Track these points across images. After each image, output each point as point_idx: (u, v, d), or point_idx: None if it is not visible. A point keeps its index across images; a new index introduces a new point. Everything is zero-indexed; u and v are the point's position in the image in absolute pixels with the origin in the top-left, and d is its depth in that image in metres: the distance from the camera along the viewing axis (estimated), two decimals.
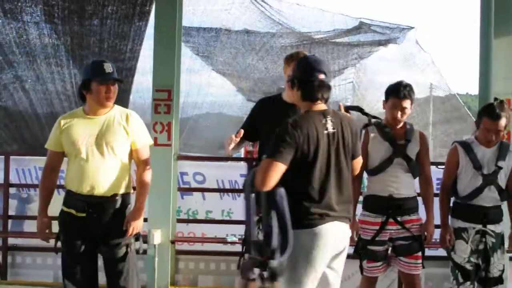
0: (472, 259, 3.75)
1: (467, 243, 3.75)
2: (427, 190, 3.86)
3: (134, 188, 3.64)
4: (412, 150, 3.78)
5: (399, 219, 3.71)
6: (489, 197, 3.74)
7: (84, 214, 3.35)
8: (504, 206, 3.91)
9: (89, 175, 3.32)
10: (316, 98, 2.96)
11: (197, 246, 5.79)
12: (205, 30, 10.38)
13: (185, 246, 5.74)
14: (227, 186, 5.92)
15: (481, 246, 3.75)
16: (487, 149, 3.75)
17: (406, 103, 3.74)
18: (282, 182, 2.84)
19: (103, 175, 3.34)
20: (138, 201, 3.49)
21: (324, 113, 2.97)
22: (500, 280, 3.80)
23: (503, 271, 3.81)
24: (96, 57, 8.04)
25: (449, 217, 3.89)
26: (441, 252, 5.67)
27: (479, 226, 3.74)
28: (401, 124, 3.83)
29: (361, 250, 3.77)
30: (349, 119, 3.12)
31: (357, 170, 3.21)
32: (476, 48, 5.61)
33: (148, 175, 3.56)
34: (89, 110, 3.42)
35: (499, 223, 3.81)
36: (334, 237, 2.92)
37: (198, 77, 11.18)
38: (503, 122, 3.67)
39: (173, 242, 5.44)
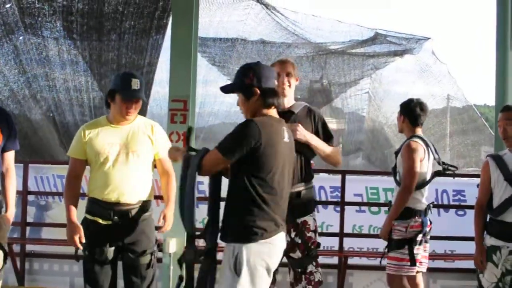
0: (501, 284, 3.53)
1: (497, 267, 3.54)
2: None
3: (154, 197, 3.69)
4: None
5: None
6: None
7: (110, 222, 3.37)
8: None
9: (116, 183, 3.35)
10: (275, 104, 2.92)
11: None
12: (221, 41, 10.46)
13: None
14: None
15: (510, 267, 3.53)
16: None
17: None
18: (244, 187, 2.77)
19: (129, 183, 3.38)
20: (170, 202, 3.60)
21: (281, 121, 2.97)
22: None
23: None
24: (114, 72, 8.18)
25: (485, 234, 3.70)
26: (458, 264, 5.67)
27: None
28: None
29: None
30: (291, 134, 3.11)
31: None
32: (493, 58, 5.61)
33: (174, 182, 3.63)
34: (113, 119, 3.47)
35: None
36: (282, 247, 2.92)
37: (214, 88, 11.25)
38: None
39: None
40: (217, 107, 11.42)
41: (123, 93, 3.36)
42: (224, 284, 2.80)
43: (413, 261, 4.00)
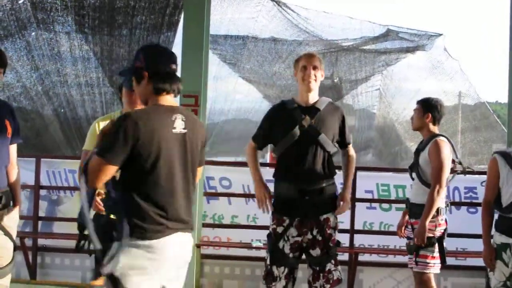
0: (509, 283, 3.49)
1: (507, 266, 3.48)
2: None
3: None
4: None
5: None
6: None
7: None
8: None
9: None
10: (167, 90, 2.63)
11: (223, 251, 5.84)
12: (232, 38, 10.46)
13: (210, 251, 5.80)
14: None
15: None
16: None
17: None
18: (128, 184, 2.55)
19: None
20: None
21: (173, 110, 2.63)
22: None
23: None
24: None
25: (493, 231, 3.66)
26: (470, 261, 5.64)
27: None
28: None
29: None
30: (201, 123, 2.85)
31: (198, 178, 2.89)
32: (506, 55, 5.56)
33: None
34: None
35: None
36: (175, 251, 2.60)
37: (225, 84, 11.27)
38: None
39: (198, 246, 5.50)
40: (229, 104, 11.45)
41: (126, 85, 3.40)
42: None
43: (443, 259, 4.03)
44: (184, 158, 2.63)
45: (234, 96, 11.22)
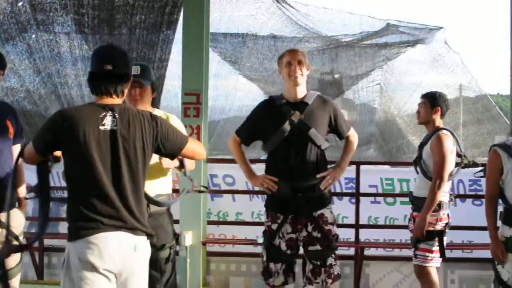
0: None
1: None
2: None
3: (173, 191, 3.68)
4: None
5: None
6: None
7: None
8: None
9: None
10: (100, 91, 2.65)
11: (228, 248, 5.85)
12: (232, 36, 10.45)
13: (216, 248, 5.82)
14: (257, 188, 5.96)
15: None
16: None
17: None
18: (67, 183, 2.64)
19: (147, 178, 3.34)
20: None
21: (106, 107, 2.63)
22: None
23: None
24: None
25: (500, 224, 3.58)
26: (476, 254, 5.64)
27: None
28: None
29: None
30: (151, 117, 2.75)
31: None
32: (507, 47, 5.55)
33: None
34: None
35: None
36: (116, 248, 2.57)
37: (226, 82, 11.27)
38: None
39: (204, 244, 5.51)
40: (230, 102, 11.43)
41: None
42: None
43: (443, 253, 4.05)
44: (115, 154, 2.60)
45: (235, 94, 11.22)
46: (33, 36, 8.47)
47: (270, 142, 3.60)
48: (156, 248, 3.39)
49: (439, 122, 4.16)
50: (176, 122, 3.60)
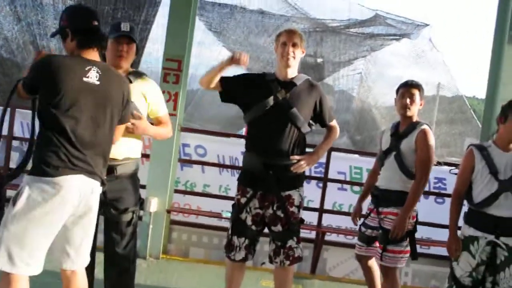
0: (474, 274, 3.50)
1: (474, 257, 3.49)
2: None
3: (144, 156, 3.64)
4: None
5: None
6: (505, 206, 3.46)
7: None
8: None
9: None
10: (89, 45, 2.85)
11: (192, 218, 5.86)
12: (220, 6, 10.34)
13: (180, 217, 5.82)
14: (227, 162, 5.97)
15: (486, 258, 3.48)
16: (506, 153, 3.53)
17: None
18: (41, 122, 2.78)
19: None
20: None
21: (91, 62, 2.84)
22: None
23: None
24: (109, 25, 8.08)
25: (462, 223, 3.64)
26: (432, 250, 5.77)
27: (491, 237, 3.45)
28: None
29: None
30: (124, 80, 3.02)
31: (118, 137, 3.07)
32: (488, 52, 5.62)
33: (169, 131, 3.64)
34: None
35: None
36: (76, 191, 2.75)
37: (208, 52, 11.15)
38: None
39: (168, 212, 5.51)
40: None
41: (113, 34, 3.32)
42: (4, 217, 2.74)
43: (415, 254, 3.91)
44: (95, 108, 2.81)
45: (217, 63, 11.13)
46: None
47: (250, 112, 3.58)
48: (119, 211, 3.39)
49: (418, 116, 4.02)
50: (158, 93, 3.56)
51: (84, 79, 2.76)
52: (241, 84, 3.67)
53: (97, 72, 2.81)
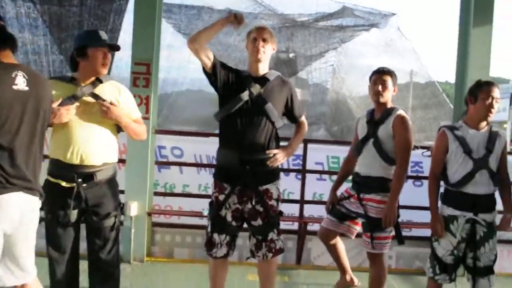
0: (456, 251, 3.59)
1: (454, 236, 3.57)
2: None
3: (120, 161, 3.66)
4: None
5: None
6: (481, 183, 3.55)
7: (73, 185, 3.27)
8: (497, 194, 3.68)
9: (80, 144, 3.26)
10: (5, 46, 2.67)
11: (174, 219, 5.87)
12: (187, 8, 10.32)
13: (161, 219, 5.82)
14: (205, 161, 5.99)
15: (466, 235, 3.56)
16: (477, 132, 3.61)
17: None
18: None
19: (93, 144, 3.30)
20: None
21: (15, 67, 2.64)
22: (491, 270, 3.62)
23: (494, 261, 3.64)
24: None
25: (440, 204, 3.69)
26: (413, 232, 5.85)
27: (470, 215, 3.55)
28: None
29: None
30: (46, 80, 2.84)
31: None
32: (455, 36, 5.70)
33: (144, 131, 3.63)
34: (81, 79, 3.37)
35: (491, 212, 3.61)
36: (16, 209, 2.65)
37: (179, 54, 11.13)
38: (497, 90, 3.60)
39: (149, 214, 5.50)
40: (183, 74, 11.32)
41: (96, 43, 3.30)
42: None
43: (401, 238, 3.98)
44: (27, 116, 2.63)
45: (188, 66, 11.09)
46: None
47: (225, 108, 3.58)
48: (100, 217, 3.37)
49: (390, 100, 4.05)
50: (129, 95, 3.56)
51: (14, 87, 2.58)
52: (228, 71, 3.64)
53: (24, 76, 2.63)
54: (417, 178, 6.07)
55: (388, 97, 3.99)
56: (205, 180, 5.90)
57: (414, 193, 5.90)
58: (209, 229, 3.68)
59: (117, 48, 3.46)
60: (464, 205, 3.57)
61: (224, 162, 3.64)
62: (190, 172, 5.96)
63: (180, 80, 11.30)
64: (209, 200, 3.75)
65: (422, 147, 4.68)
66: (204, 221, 5.56)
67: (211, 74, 3.58)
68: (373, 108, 4.11)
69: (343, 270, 4.41)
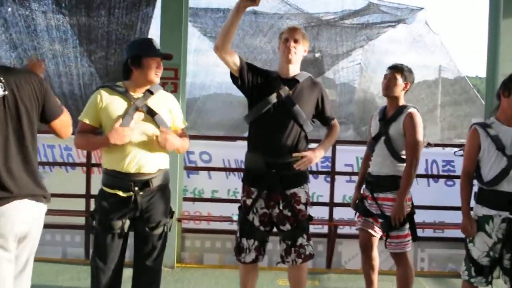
0: (492, 253, 3.47)
1: (490, 237, 3.45)
2: None
3: None
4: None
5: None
6: None
7: (131, 194, 3.26)
8: None
9: (135, 153, 3.25)
10: None
11: (203, 225, 5.87)
12: (213, 11, 10.34)
13: (191, 225, 5.83)
14: (233, 166, 5.97)
15: (502, 235, 3.43)
16: (509, 128, 3.50)
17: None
18: None
19: (149, 152, 3.29)
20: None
21: None
22: None
23: None
24: (104, 48, 8.15)
25: (474, 204, 3.61)
26: (447, 233, 5.74)
27: (506, 214, 3.41)
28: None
29: None
30: (33, 77, 2.68)
31: (64, 133, 2.89)
32: (485, 30, 5.59)
33: (188, 143, 3.59)
34: (132, 88, 3.35)
35: None
36: (17, 218, 2.58)
37: (206, 58, 11.20)
38: None
39: (179, 220, 5.52)
40: (210, 78, 11.36)
41: (152, 53, 3.29)
42: None
43: (415, 235, 3.96)
44: (8, 121, 2.54)
45: (215, 70, 11.14)
46: (9, 9, 8.27)
47: (253, 110, 3.56)
48: (150, 226, 3.35)
49: (403, 98, 4.03)
50: (178, 105, 3.56)
51: None
52: (256, 73, 3.61)
53: (0, 81, 2.52)
54: (449, 177, 5.95)
55: (397, 92, 3.98)
56: (234, 185, 5.89)
57: (446, 193, 5.81)
58: (238, 234, 3.67)
59: (170, 57, 3.42)
60: (500, 204, 3.45)
61: (251, 166, 3.63)
62: (218, 177, 5.95)
63: (208, 84, 11.35)
64: (238, 205, 3.73)
65: (453, 145, 4.60)
66: (234, 226, 5.60)
67: (238, 78, 3.56)
68: (385, 106, 4.11)
69: (369, 284, 4.32)
